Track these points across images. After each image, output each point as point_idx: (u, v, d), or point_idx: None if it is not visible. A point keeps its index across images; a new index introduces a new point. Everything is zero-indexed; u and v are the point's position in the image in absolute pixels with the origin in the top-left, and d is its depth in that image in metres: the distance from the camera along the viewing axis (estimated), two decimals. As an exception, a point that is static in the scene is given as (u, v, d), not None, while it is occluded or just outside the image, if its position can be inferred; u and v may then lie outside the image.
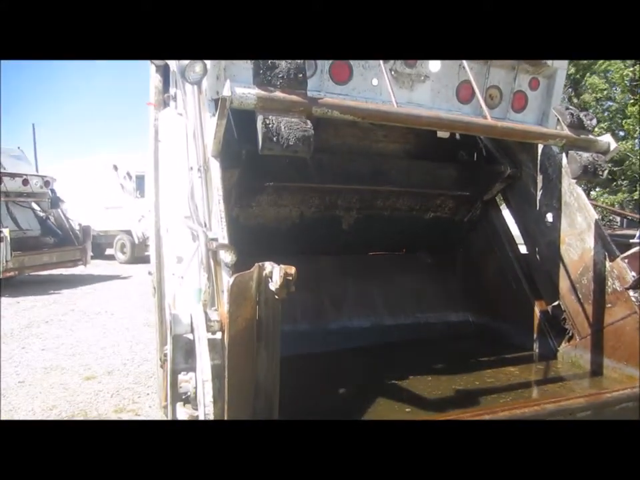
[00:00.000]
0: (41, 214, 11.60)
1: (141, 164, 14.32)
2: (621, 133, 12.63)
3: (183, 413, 1.41)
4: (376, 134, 3.36)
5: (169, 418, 1.51)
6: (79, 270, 12.51)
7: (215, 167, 2.21)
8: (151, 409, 4.28)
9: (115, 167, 15.71)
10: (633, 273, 2.42)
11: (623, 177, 12.83)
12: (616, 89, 13.28)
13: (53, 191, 11.83)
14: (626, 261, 2.48)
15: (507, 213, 3.46)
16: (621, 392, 2.02)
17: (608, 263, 2.53)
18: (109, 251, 17.28)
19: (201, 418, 1.31)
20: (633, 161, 11.90)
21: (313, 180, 2.99)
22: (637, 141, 12.38)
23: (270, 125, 1.77)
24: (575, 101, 13.87)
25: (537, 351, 3.01)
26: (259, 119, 1.77)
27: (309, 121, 1.84)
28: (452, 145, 3.50)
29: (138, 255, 15.46)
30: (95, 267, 14.13)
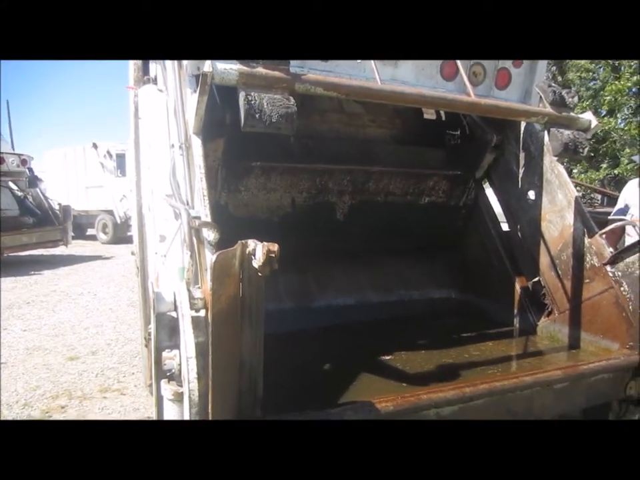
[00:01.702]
0: (19, 193, 11.36)
1: (121, 142, 14.09)
2: (603, 112, 12.73)
3: (167, 390, 1.42)
4: (362, 119, 3.34)
5: (154, 395, 1.52)
6: (59, 250, 12.37)
7: (197, 144, 2.18)
8: (137, 387, 4.29)
9: (95, 145, 15.42)
10: (611, 249, 2.47)
11: (604, 155, 12.98)
12: (600, 68, 13.34)
13: (30, 169, 11.59)
14: (604, 237, 2.54)
15: (489, 192, 3.49)
16: (597, 364, 2.08)
17: (587, 240, 2.57)
18: (90, 231, 17.09)
19: (186, 394, 1.31)
20: (615, 138, 12.03)
21: (301, 161, 2.96)
22: (618, 119, 12.49)
23: (252, 102, 1.74)
24: (559, 79, 13.90)
25: (517, 326, 3.07)
26: (241, 95, 1.74)
27: (291, 98, 1.82)
28: (439, 129, 3.49)
29: (120, 235, 15.31)
30: (77, 247, 13.97)
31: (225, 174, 2.74)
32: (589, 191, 11.83)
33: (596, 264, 2.52)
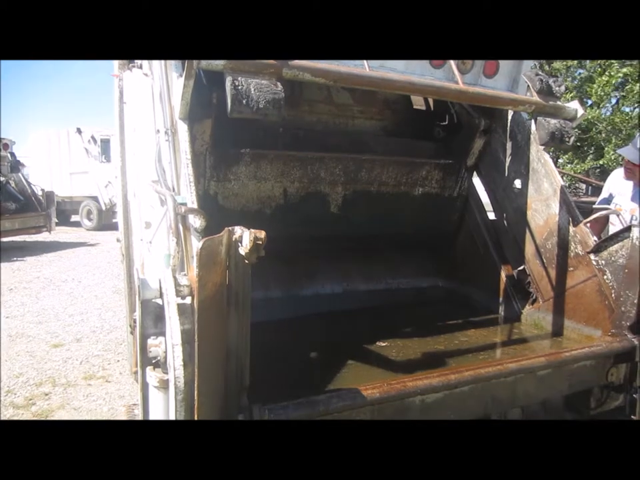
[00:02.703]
0: (1, 179, 11.16)
1: (106, 127, 13.89)
2: (589, 102, 12.81)
3: (152, 377, 1.41)
4: (352, 110, 3.31)
5: (139, 382, 1.51)
6: (43, 237, 12.22)
7: (183, 130, 2.15)
8: (122, 375, 4.28)
9: (79, 130, 15.17)
10: (595, 238, 2.50)
11: (589, 145, 13.09)
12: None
13: (12, 154, 11.39)
14: (588, 225, 2.56)
15: (476, 182, 3.50)
16: (579, 351, 2.11)
17: (571, 228, 2.60)
18: (74, 218, 16.88)
19: (171, 382, 1.31)
20: (600, 128, 12.13)
21: (292, 148, 2.92)
22: (603, 109, 12.60)
23: (239, 87, 1.72)
24: (547, 68, 13.94)
25: (503, 313, 3.11)
26: (228, 80, 1.72)
27: (279, 83, 1.79)
28: (429, 120, 3.48)
29: (105, 222, 15.17)
30: (60, 234, 13.81)
31: (213, 161, 2.67)
32: (574, 180, 11.96)
33: (580, 252, 2.55)
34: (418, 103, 3.59)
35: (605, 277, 2.41)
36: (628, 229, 2.27)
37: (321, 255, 3.24)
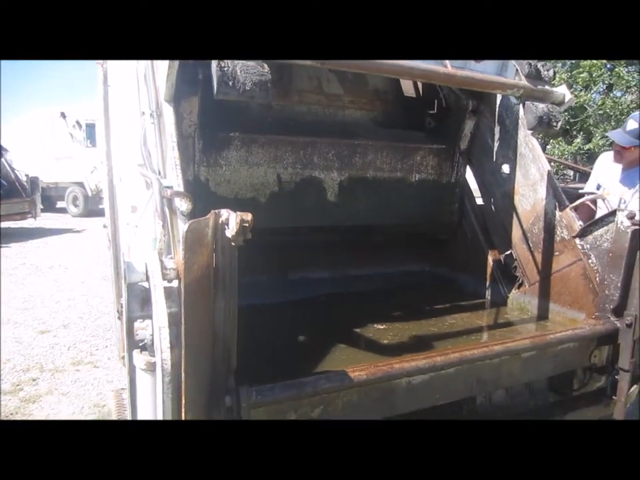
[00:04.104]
0: (-17, 164, 10.99)
1: (91, 112, 13.66)
2: (578, 87, 12.86)
3: (139, 360, 1.41)
4: (342, 100, 3.28)
5: (126, 365, 1.50)
6: (28, 223, 12.08)
7: (169, 112, 2.12)
8: (110, 360, 4.27)
9: (63, 115, 14.92)
10: (581, 222, 2.53)
11: (578, 130, 13.16)
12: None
13: (-6, 139, 11.17)
14: (574, 210, 2.59)
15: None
16: (563, 333, 2.14)
17: (558, 213, 2.62)
18: (60, 204, 16.69)
19: (158, 364, 1.30)
20: (589, 113, 12.18)
21: (283, 132, 2.88)
22: (593, 94, 12.67)
23: (225, 69, 1.69)
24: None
25: (489, 298, 3.14)
26: (214, 62, 1.69)
27: (265, 65, 1.77)
28: (419, 110, 3.46)
29: (92, 208, 15.01)
30: (46, 220, 13.66)
31: (203, 145, 2.62)
32: (561, 166, 12.04)
33: (566, 237, 2.58)
34: (408, 90, 3.58)
35: (590, 260, 2.44)
36: (613, 213, 2.29)
37: (316, 244, 3.22)
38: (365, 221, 3.22)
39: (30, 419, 3.33)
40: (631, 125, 3.40)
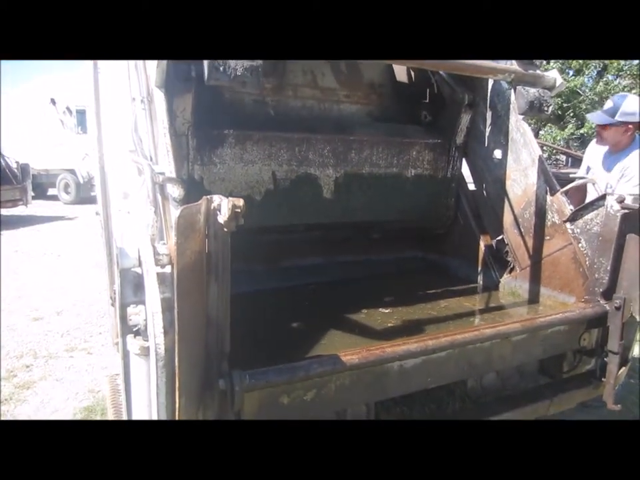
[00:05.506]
0: (-27, 151, 10.86)
1: (81, 97, 13.49)
2: (570, 72, 12.85)
3: (133, 345, 1.42)
4: (337, 94, 3.25)
5: (120, 351, 1.51)
6: (19, 210, 12.00)
7: (160, 98, 2.11)
8: (104, 347, 4.28)
9: (53, 101, 14.72)
10: (571, 207, 2.54)
11: (571, 114, 13.16)
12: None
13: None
14: (565, 194, 2.60)
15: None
16: (553, 317, 2.17)
17: (549, 197, 2.64)
18: (51, 191, 16.54)
19: (152, 349, 1.32)
20: (582, 97, 12.18)
21: (277, 129, 2.85)
22: (586, 78, 12.66)
23: (216, 54, 1.69)
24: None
25: (481, 282, 3.17)
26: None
27: (257, 52, 1.76)
28: (414, 103, 3.44)
29: (84, 196, 14.89)
30: (37, 207, 13.56)
31: (197, 143, 2.58)
32: (554, 151, 12.06)
33: (556, 221, 2.60)
34: (401, 76, 3.55)
35: (580, 245, 2.46)
36: (603, 197, 2.31)
37: (311, 241, 3.22)
38: (361, 218, 3.21)
39: (23, 407, 3.34)
40: (608, 104, 3.42)
